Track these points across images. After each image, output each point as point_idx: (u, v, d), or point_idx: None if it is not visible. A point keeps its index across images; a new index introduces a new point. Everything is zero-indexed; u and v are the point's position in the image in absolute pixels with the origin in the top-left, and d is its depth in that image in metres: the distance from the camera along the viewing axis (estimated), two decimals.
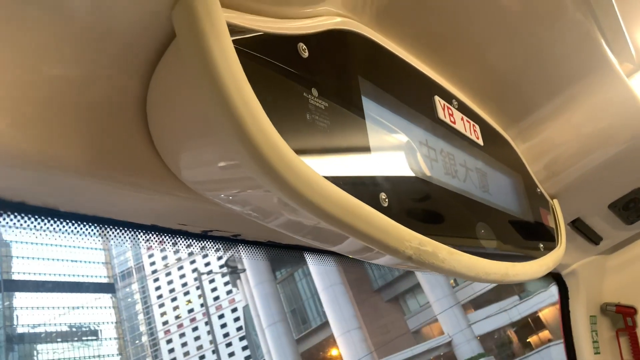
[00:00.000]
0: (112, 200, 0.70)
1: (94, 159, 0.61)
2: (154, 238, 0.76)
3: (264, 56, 0.61)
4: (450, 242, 0.80)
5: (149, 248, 0.77)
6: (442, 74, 1.05)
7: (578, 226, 1.55)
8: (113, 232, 0.71)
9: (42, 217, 0.63)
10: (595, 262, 1.75)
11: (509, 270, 0.95)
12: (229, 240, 0.89)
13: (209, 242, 0.84)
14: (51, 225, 0.64)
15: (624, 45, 1.25)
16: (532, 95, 1.25)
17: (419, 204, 0.81)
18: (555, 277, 1.77)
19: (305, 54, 0.67)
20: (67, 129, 0.59)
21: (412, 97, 0.91)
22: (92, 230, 0.68)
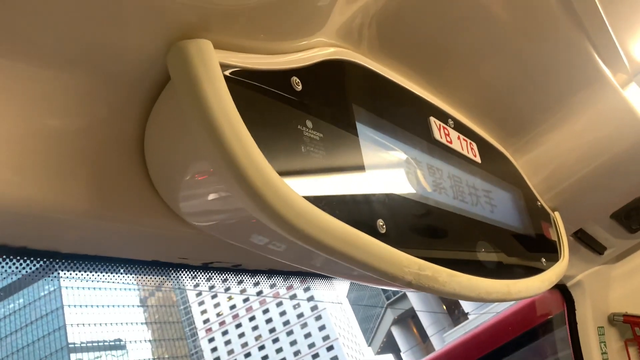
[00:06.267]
0: (112, 239, 0.70)
1: (93, 201, 0.62)
2: (155, 273, 0.77)
3: (258, 92, 0.62)
4: (450, 264, 0.80)
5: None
6: (437, 95, 1.06)
7: (581, 237, 1.54)
8: (115, 270, 0.72)
9: (44, 260, 0.64)
10: (601, 272, 1.74)
11: (511, 288, 0.95)
12: (230, 271, 0.90)
13: (209, 274, 0.85)
14: (53, 267, 0.65)
15: (616, 57, 1.26)
16: (528, 110, 1.25)
17: (417, 227, 0.81)
18: (560, 288, 1.76)
19: (299, 87, 0.68)
20: (67, 175, 0.60)
21: (408, 120, 0.92)
22: (94, 268, 0.69)
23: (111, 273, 0.70)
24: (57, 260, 0.65)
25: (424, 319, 31.95)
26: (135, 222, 0.68)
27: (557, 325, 1.94)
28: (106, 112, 0.62)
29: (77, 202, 0.60)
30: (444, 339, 28.38)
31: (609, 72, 1.25)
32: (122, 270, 0.72)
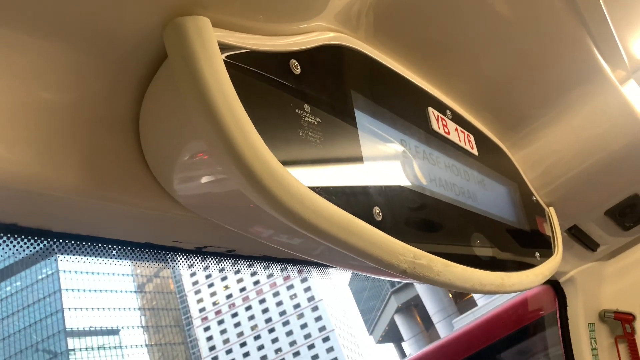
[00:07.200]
0: (105, 219, 0.70)
1: (87, 179, 0.62)
2: (148, 255, 0.76)
3: (256, 74, 0.61)
4: (445, 254, 0.80)
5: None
6: (436, 85, 1.06)
7: (575, 233, 1.54)
8: (108, 251, 0.71)
9: (35, 238, 0.64)
10: (593, 268, 1.75)
11: (505, 280, 0.96)
12: (224, 256, 0.90)
13: (203, 258, 0.85)
14: (44, 245, 0.65)
15: (616, 53, 1.25)
16: (526, 104, 1.25)
17: (413, 216, 0.81)
18: (553, 284, 1.77)
19: (298, 71, 0.68)
20: (60, 150, 0.59)
21: (406, 109, 0.92)
22: (86, 249, 0.69)
23: (104, 254, 0.70)
24: (50, 240, 0.65)
25: (430, 307, 31.91)
26: (129, 202, 0.68)
27: (549, 321, 1.96)
28: (99, 87, 0.61)
29: (69, 178, 0.60)
30: (452, 325, 28.50)
31: (608, 68, 1.24)
32: (114, 252, 0.72)
